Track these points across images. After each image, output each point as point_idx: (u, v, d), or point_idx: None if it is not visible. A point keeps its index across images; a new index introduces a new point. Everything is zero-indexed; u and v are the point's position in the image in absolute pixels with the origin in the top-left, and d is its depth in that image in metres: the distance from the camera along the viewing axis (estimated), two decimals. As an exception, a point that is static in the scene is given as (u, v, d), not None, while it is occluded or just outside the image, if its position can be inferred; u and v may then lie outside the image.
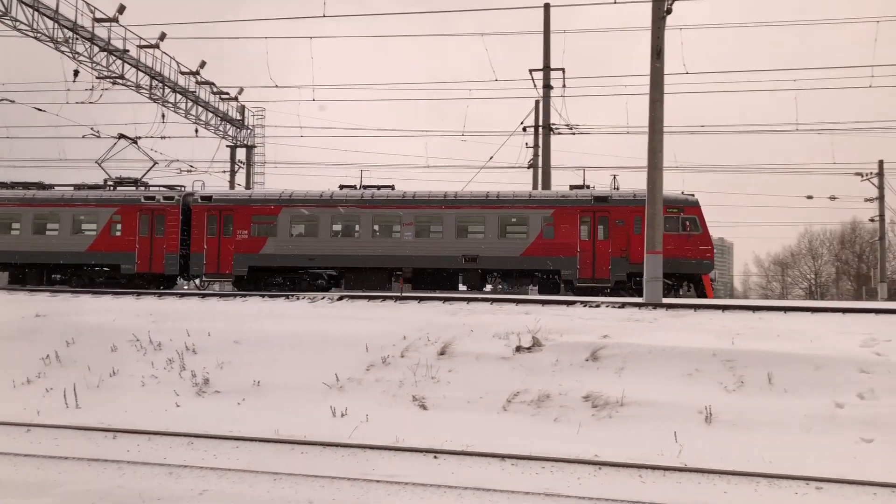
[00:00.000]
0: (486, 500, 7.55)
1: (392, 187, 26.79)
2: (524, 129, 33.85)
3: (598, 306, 16.79)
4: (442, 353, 13.15)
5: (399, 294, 20.01)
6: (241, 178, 40.47)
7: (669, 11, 18.12)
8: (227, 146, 40.34)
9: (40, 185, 28.92)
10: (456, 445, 9.60)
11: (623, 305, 16.79)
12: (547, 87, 30.41)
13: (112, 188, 28.14)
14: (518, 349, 13.08)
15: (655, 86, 18.15)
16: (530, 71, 30.70)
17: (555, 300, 17.98)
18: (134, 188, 28.04)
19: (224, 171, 40.25)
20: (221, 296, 20.51)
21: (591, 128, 31.89)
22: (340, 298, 18.72)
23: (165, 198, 26.79)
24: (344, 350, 13.53)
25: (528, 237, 24.76)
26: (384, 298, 18.62)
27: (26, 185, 28.88)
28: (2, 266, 27.64)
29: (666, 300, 17.93)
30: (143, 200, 26.80)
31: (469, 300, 17.87)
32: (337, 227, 25.93)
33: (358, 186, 27.15)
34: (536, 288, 25.37)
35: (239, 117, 40.08)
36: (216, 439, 10.10)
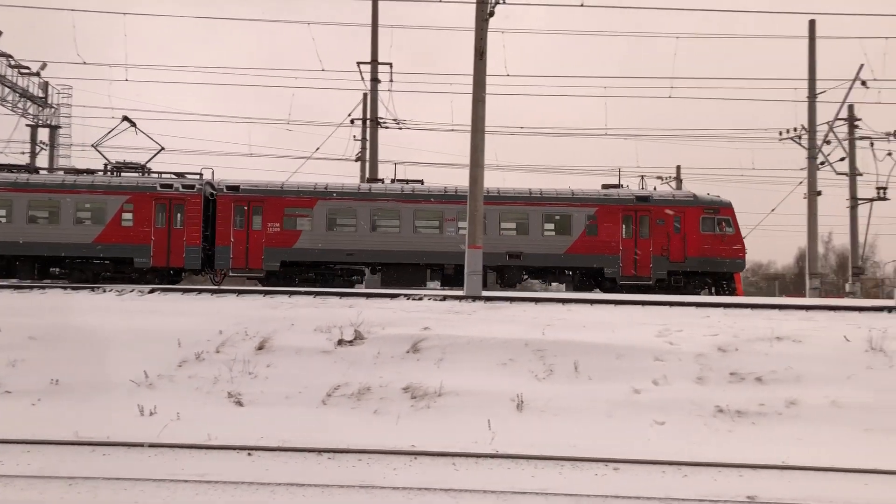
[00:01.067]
0: (300, 495, 7.44)
1: (421, 181, 26.04)
2: (352, 122, 33.75)
3: (420, 299, 17.05)
4: (260, 347, 12.81)
5: (216, 287, 19.25)
6: (42, 160, 37.27)
7: (492, 14, 18.73)
8: (28, 125, 37.00)
9: (32, 168, 25.65)
10: (272, 441, 9.38)
11: (444, 298, 17.16)
12: (375, 80, 30.50)
13: (115, 174, 25.53)
14: (340, 342, 13.01)
15: (478, 85, 18.71)
16: (358, 64, 30.69)
17: (378, 293, 18.06)
18: (141, 174, 25.58)
19: (23, 153, 36.88)
20: (16, 287, 18.75)
21: (417, 123, 32.38)
22: (152, 291, 17.72)
23: (185, 186, 24.78)
24: (154, 346, 12.79)
25: (571, 235, 25.05)
26: (199, 291, 17.86)
27: (10, 167, 25.75)
28: None
29: (485, 293, 18.54)
30: (159, 188, 24.60)
31: (291, 293, 17.53)
32: (377, 222, 25.11)
33: (387, 180, 26.29)
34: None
35: (41, 94, 36.84)
36: (3, 444, 9.22)
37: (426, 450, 9.10)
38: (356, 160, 35.42)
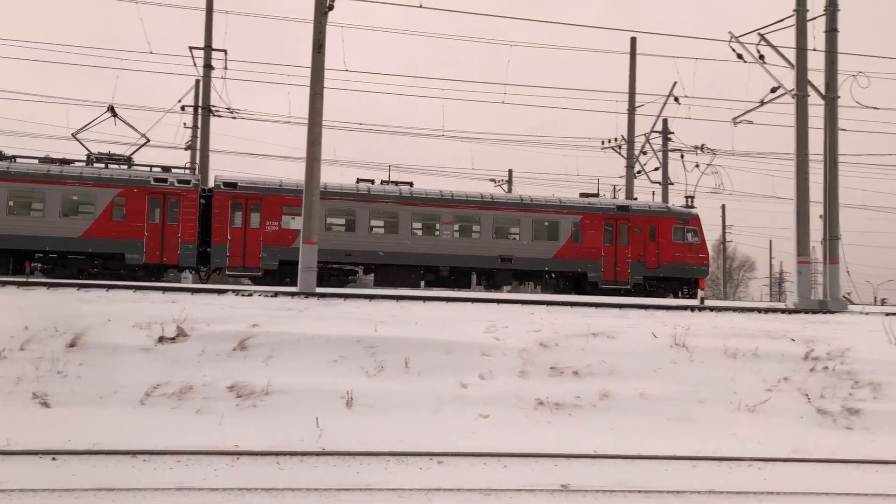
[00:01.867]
0: (109, 500, 7.01)
1: (411, 184, 26.03)
2: (182, 109, 32.13)
3: (250, 295, 16.58)
4: (72, 344, 11.93)
5: (25, 280, 17.70)
6: None
7: (331, 7, 18.54)
8: None
9: (6, 156, 23.44)
10: (81, 444, 8.78)
11: (276, 294, 16.79)
12: (208, 66, 29.25)
13: (105, 166, 24.16)
14: (161, 340, 12.38)
15: (316, 78, 18.46)
16: (191, 48, 29.31)
17: (205, 288, 17.38)
18: (126, 167, 24.30)
19: None
20: None
21: (253, 114, 31.44)
22: (-53, 283, 16.01)
23: (180, 181, 23.95)
24: (-54, 343, 11.59)
25: (559, 241, 26.19)
26: (3, 284, 16.34)
27: None
28: None
29: (319, 289, 18.32)
30: (153, 182, 23.57)
31: (109, 287, 16.46)
32: (375, 223, 25.04)
33: (378, 181, 26.11)
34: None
35: None
36: None
37: (250, 449, 8.88)
38: (186, 149, 33.82)
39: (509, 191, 40.60)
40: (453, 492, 7.54)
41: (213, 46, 29.32)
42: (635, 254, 26.93)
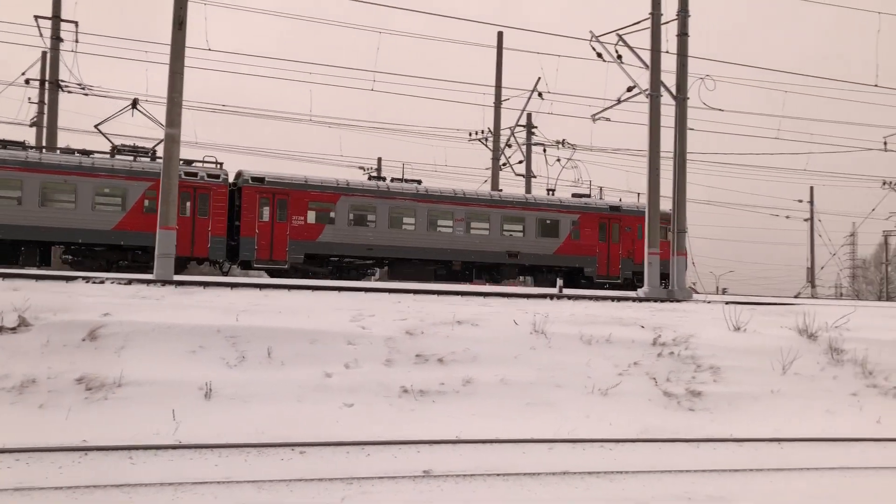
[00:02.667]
0: (-63, 505, 6.47)
1: (419, 181, 27.49)
2: (27, 82, 29.87)
3: (102, 283, 15.70)
4: None
5: None
6: None
7: (194, -17, 17.77)
8: None
9: (40, 147, 23.81)
10: None
11: (130, 282, 15.99)
12: (56, 38, 27.35)
13: (135, 158, 24.23)
14: (0, 330, 11.50)
15: (176, 57, 17.67)
16: (36, 17, 27.27)
17: (51, 275, 16.30)
18: (149, 159, 24.31)
19: None
20: None
21: (107, 91, 29.67)
22: None
23: (210, 175, 24.44)
24: None
25: (559, 238, 28.23)
26: None
27: (9, 143, 23.16)
28: None
29: (177, 277, 17.60)
30: (183, 176, 22.70)
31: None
32: (394, 219, 26.26)
33: (389, 179, 27.48)
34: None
35: None
36: None
37: (100, 444, 8.42)
38: (31, 125, 31.48)
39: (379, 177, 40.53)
40: (315, 482, 7.48)
41: (63, 17, 27.41)
42: (625, 250, 29.27)
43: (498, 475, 8.01)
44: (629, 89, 23.65)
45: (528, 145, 35.72)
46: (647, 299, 20.34)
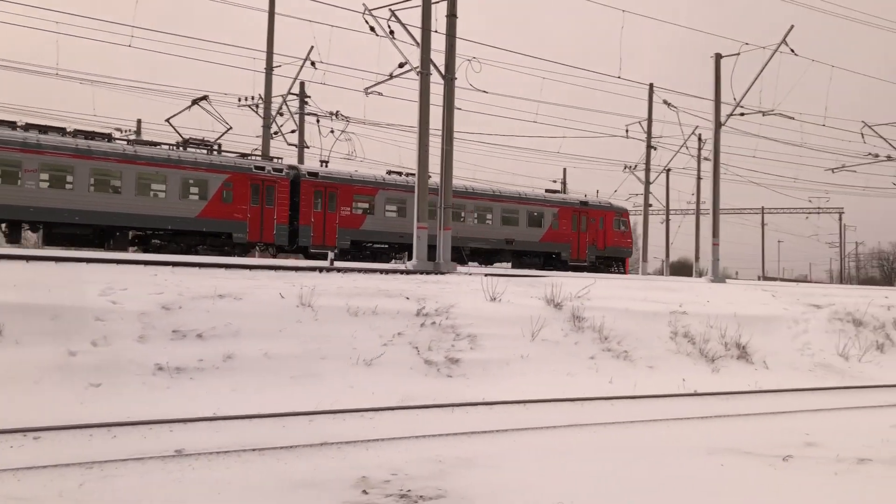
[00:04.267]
0: None
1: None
2: None
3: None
4: None
5: None
6: None
7: None
8: None
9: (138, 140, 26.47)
10: None
11: None
12: None
13: (215, 152, 26.79)
14: None
15: None
16: None
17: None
18: (207, 151, 26.62)
19: None
20: None
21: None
22: None
23: (275, 169, 27.14)
24: None
25: (543, 228, 33.68)
26: None
27: (103, 135, 25.18)
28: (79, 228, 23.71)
29: None
30: (253, 170, 26.54)
31: None
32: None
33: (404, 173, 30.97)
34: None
35: None
36: None
37: None
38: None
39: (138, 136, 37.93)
40: (48, 469, 6.88)
41: None
42: (591, 239, 35.32)
43: (254, 450, 7.89)
44: (401, 65, 23.97)
45: (301, 115, 35.02)
46: (414, 272, 20.95)
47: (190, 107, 27.58)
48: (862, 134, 36.70)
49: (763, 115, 30.94)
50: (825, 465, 8.08)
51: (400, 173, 31.63)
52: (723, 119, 30.28)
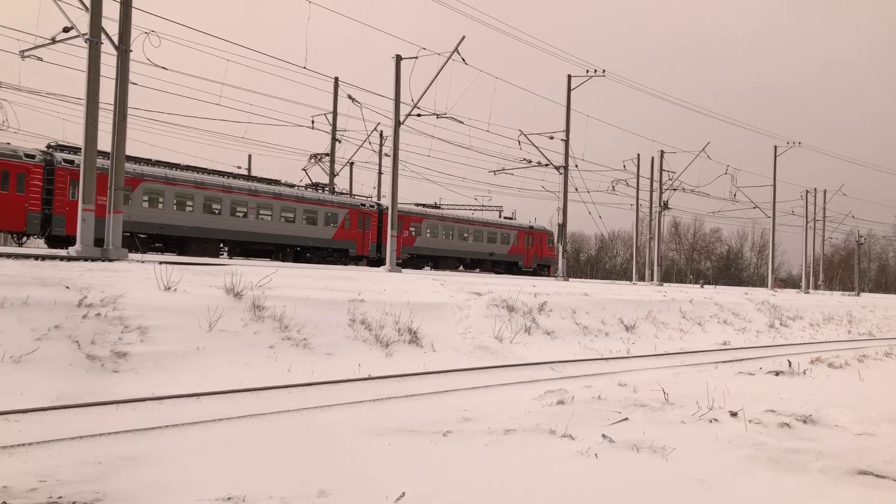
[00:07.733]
0: None
1: (437, 202, 56.60)
2: None
3: None
4: None
5: None
6: None
7: None
8: None
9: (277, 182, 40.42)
10: None
11: None
12: None
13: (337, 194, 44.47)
14: None
15: None
16: None
17: None
18: (335, 194, 43.89)
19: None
20: None
21: None
22: None
23: (370, 206, 43.92)
24: None
25: (509, 244, 54.03)
26: None
27: (246, 176, 40.79)
28: (243, 245, 38.13)
29: None
30: (360, 206, 42.98)
31: None
32: (453, 234, 49.68)
33: (437, 204, 55.36)
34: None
35: None
36: None
37: None
38: None
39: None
40: None
41: None
42: (536, 252, 55.70)
43: None
44: (66, 30, 21.64)
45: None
46: (78, 258, 19.09)
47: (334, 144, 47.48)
48: (519, 141, 41.57)
49: (437, 118, 33.38)
50: (478, 437, 8.96)
51: (435, 205, 52.87)
52: (402, 118, 32.00)
